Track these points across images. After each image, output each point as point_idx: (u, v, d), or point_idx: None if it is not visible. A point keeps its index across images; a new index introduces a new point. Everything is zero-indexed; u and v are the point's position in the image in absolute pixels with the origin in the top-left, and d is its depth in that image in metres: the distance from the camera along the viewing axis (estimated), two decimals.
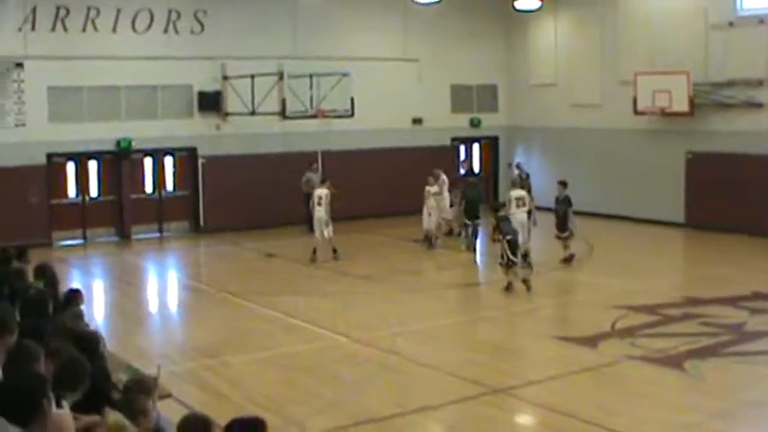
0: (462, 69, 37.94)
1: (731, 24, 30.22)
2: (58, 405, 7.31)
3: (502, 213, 23.90)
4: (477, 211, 28.59)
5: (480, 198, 29.87)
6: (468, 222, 28.65)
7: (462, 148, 39.44)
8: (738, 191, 30.08)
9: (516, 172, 31.82)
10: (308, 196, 28.62)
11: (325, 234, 26.59)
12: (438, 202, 29.13)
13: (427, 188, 28.77)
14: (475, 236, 28.54)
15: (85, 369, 8.47)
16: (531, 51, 38.32)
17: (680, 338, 17.90)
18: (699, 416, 13.64)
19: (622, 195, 34.12)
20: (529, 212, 25.29)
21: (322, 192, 26.91)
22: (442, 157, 35.33)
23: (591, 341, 17.81)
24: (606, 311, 19.98)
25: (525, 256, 24.08)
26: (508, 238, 22.43)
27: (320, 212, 26.56)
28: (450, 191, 29.95)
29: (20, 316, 11.95)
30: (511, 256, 22.35)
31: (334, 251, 26.66)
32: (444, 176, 29.94)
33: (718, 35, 30.55)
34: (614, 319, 19.30)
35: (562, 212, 26.37)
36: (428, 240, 28.65)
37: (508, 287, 22.57)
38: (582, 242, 28.91)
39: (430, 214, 28.76)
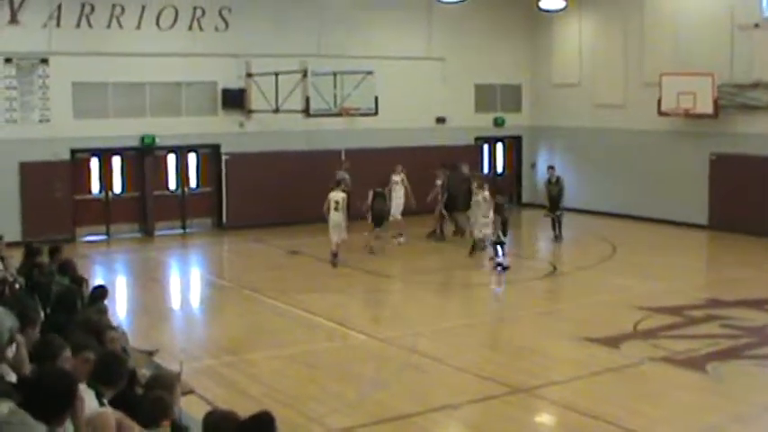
0: (486, 69, 37.91)
1: (757, 26, 30.08)
2: (100, 403, 7.36)
3: (379, 190, 28.08)
4: (457, 203, 28.90)
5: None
6: (446, 214, 29.39)
7: (486, 147, 39.41)
8: (762, 193, 29.97)
9: (547, 175, 31.62)
10: None
11: (338, 239, 25.90)
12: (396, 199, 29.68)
13: (479, 193, 27.36)
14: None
15: (123, 365, 8.53)
16: (555, 51, 38.27)
17: (702, 340, 17.88)
18: (718, 418, 13.63)
19: (645, 196, 34.03)
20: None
21: (339, 196, 26.20)
22: (466, 156, 35.24)
23: (613, 342, 17.79)
24: (629, 312, 19.95)
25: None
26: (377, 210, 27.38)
27: (338, 217, 25.87)
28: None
29: (49, 311, 12.08)
30: (375, 227, 27.57)
31: (335, 256, 25.99)
32: (404, 174, 30.25)
33: (743, 36, 30.42)
34: (637, 321, 19.28)
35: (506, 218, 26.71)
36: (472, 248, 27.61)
37: (371, 250, 27.13)
38: (604, 243, 28.99)
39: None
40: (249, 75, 32.09)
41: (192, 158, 32.99)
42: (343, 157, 32.43)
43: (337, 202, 25.96)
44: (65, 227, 29.50)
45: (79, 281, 14.38)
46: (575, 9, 36.08)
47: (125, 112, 30.77)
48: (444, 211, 29.85)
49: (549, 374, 16.17)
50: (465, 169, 30.92)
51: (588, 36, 36.70)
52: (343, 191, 26.62)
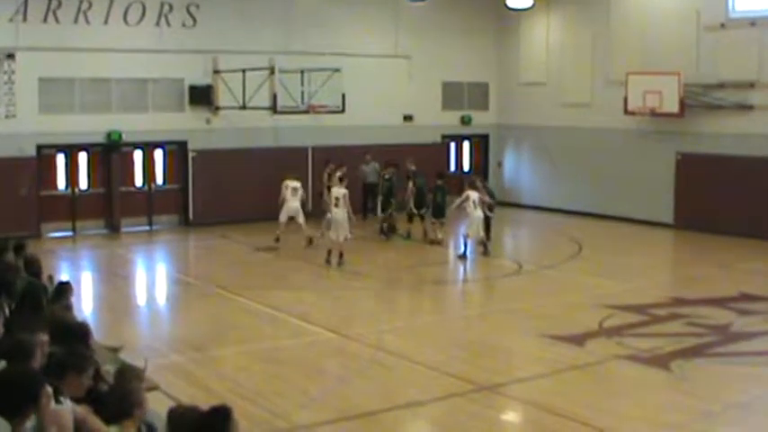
0: (453, 67, 37.98)
1: (723, 26, 30.31)
2: (57, 400, 7.34)
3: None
4: (424, 199, 29.29)
5: (426, 188, 29.69)
6: (415, 211, 29.45)
7: (453, 145, 39.47)
8: (728, 192, 30.17)
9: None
10: (364, 187, 32.04)
11: (340, 238, 25.33)
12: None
13: (468, 193, 27.00)
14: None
15: (86, 358, 8.48)
16: (522, 50, 38.34)
17: (666, 338, 17.98)
18: (683, 416, 13.70)
19: (611, 195, 34.19)
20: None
21: (340, 192, 25.74)
22: (433, 154, 35.33)
23: (578, 340, 17.85)
24: (594, 311, 20.03)
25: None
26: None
27: (339, 214, 25.35)
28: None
29: (14, 308, 12.00)
30: None
31: (341, 255, 25.42)
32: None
33: (709, 37, 30.64)
34: (602, 319, 19.36)
35: (440, 200, 28.67)
36: (484, 246, 27.45)
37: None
38: (570, 241, 29.10)
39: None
40: (216, 71, 32.02)
41: (158, 155, 32.87)
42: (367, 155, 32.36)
43: (337, 199, 25.63)
44: (30, 223, 29.34)
45: (39, 275, 14.31)
46: (542, 8, 36.20)
47: (91, 108, 30.62)
48: (413, 209, 29.68)
49: (514, 372, 16.26)
50: (411, 165, 30.71)
51: (555, 35, 36.83)
52: (346, 187, 26.38)
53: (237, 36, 32.45)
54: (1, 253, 16.14)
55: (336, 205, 25.57)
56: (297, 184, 28.15)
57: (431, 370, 16.06)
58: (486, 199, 27.26)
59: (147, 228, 32.49)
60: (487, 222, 27.84)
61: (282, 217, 27.99)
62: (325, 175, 30.14)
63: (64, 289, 13.42)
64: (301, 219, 27.99)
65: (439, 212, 28.70)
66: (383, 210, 29.91)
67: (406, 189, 29.50)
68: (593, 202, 34.82)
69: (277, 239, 27.89)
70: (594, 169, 34.92)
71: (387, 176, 30.16)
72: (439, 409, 14.30)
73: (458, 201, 27.16)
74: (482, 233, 26.92)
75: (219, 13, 32.44)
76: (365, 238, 29.42)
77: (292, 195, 27.73)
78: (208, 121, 32.64)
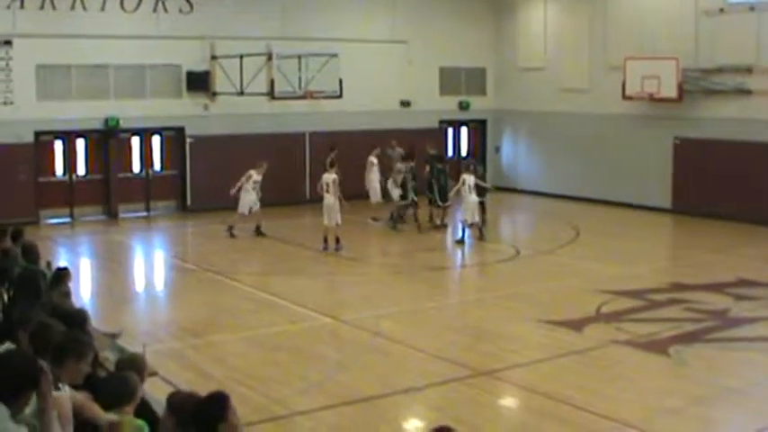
0: (451, 52, 37.91)
1: (722, 11, 30.25)
2: (56, 387, 7.34)
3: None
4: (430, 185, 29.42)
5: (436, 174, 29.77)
6: (430, 196, 29.49)
7: (450, 130, 39.42)
8: (726, 177, 30.16)
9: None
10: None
11: (332, 223, 25.49)
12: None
13: (464, 177, 27.23)
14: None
15: (86, 345, 8.48)
16: (520, 35, 38.28)
17: (665, 324, 17.99)
18: (681, 400, 13.72)
19: (610, 180, 34.17)
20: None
21: (329, 178, 25.91)
22: (430, 139, 35.27)
23: (576, 325, 17.87)
24: (592, 296, 20.04)
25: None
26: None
27: (328, 199, 25.51)
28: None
29: (12, 294, 12.00)
30: None
31: (338, 241, 25.65)
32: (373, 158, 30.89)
33: (708, 21, 30.59)
34: (600, 304, 19.37)
35: (443, 183, 28.87)
36: (479, 231, 27.58)
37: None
38: (568, 226, 29.10)
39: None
40: (214, 57, 31.98)
41: (156, 141, 32.85)
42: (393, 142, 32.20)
43: (327, 184, 25.74)
44: (28, 209, 29.33)
45: (37, 261, 14.30)
46: None
47: (89, 95, 30.59)
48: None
49: (512, 357, 16.22)
50: (431, 150, 30.82)
51: (553, 19, 36.76)
52: (336, 172, 26.35)
53: (235, 22, 32.39)
54: (2, 239, 16.15)
55: (327, 191, 25.63)
56: (250, 172, 28.09)
57: (428, 355, 16.08)
58: (481, 183, 27.31)
59: (145, 213, 32.49)
60: (482, 207, 27.87)
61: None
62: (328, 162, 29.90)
63: (62, 275, 13.40)
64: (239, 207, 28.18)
65: (444, 197, 28.76)
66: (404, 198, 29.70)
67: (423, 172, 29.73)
68: (591, 188, 34.78)
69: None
70: (592, 154, 34.88)
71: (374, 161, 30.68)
72: (436, 394, 14.31)
73: (456, 186, 27.18)
74: (477, 217, 26.90)
75: None
76: (357, 222, 29.39)
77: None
78: (205, 107, 32.61)
